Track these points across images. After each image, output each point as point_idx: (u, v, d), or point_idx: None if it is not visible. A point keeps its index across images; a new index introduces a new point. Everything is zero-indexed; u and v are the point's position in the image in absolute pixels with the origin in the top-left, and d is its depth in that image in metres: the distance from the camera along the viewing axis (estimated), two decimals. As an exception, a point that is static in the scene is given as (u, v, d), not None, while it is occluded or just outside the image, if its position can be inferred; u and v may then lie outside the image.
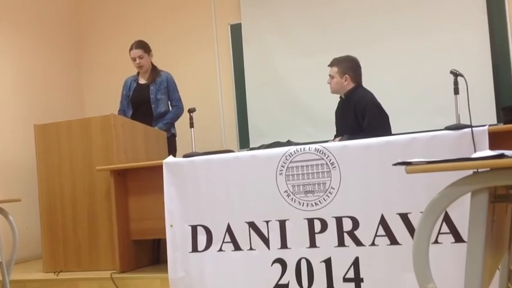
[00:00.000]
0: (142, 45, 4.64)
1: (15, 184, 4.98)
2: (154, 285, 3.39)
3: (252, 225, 3.12)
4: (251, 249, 3.12)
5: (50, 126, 3.96)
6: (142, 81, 4.73)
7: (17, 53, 5.37)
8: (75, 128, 3.88)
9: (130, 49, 4.63)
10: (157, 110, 4.62)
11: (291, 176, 3.04)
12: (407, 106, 4.92)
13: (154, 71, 4.71)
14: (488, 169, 1.27)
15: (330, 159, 2.96)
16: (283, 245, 3.04)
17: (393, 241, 2.82)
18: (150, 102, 4.62)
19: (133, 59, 4.63)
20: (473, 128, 2.70)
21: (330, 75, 3.90)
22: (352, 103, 3.82)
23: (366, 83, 3.95)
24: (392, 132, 3.69)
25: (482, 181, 1.26)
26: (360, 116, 3.71)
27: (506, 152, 1.22)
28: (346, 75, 3.85)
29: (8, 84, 5.19)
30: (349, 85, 3.87)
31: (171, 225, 3.30)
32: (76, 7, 6.37)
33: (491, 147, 2.62)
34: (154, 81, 4.65)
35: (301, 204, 3.02)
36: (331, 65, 3.92)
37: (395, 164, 1.32)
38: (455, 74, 2.98)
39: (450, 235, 2.73)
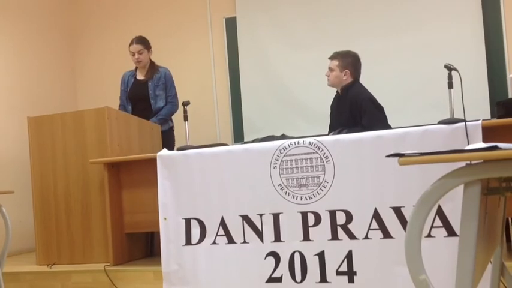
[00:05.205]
0: (143, 41, 4.63)
1: (8, 176, 4.96)
2: (147, 278, 3.39)
3: (246, 218, 3.12)
4: (245, 242, 3.12)
5: (44, 119, 3.94)
6: (140, 76, 4.71)
7: (11, 45, 5.33)
8: (69, 120, 3.87)
9: (131, 44, 4.61)
10: (156, 106, 4.61)
11: (284, 170, 3.04)
12: (402, 101, 4.92)
13: (153, 67, 4.70)
14: (481, 161, 1.27)
15: (324, 153, 2.96)
16: (277, 238, 3.05)
17: (386, 234, 2.83)
18: (149, 98, 4.61)
19: (133, 54, 4.62)
20: (466, 123, 2.70)
21: (329, 67, 3.90)
22: (348, 100, 3.82)
23: (361, 78, 3.95)
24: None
25: (474, 173, 1.26)
26: (357, 113, 3.72)
27: (500, 144, 1.22)
28: (346, 70, 3.85)
29: (1, 76, 5.16)
30: (347, 80, 3.87)
31: (165, 218, 3.30)
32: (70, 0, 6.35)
33: (485, 142, 2.63)
34: (152, 77, 4.64)
35: (295, 197, 3.02)
36: (332, 58, 3.91)
37: (389, 156, 1.32)
38: (450, 69, 2.99)
39: (443, 229, 2.74)
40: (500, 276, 1.93)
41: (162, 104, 4.63)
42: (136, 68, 4.74)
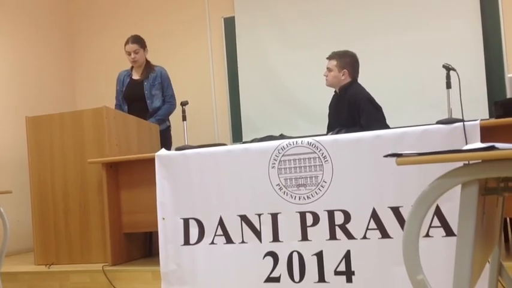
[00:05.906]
0: (139, 40, 4.61)
1: (7, 176, 4.95)
2: (145, 278, 3.39)
3: (244, 218, 3.12)
4: (243, 242, 3.11)
5: (42, 119, 3.94)
6: (135, 76, 4.70)
7: (10, 45, 5.33)
8: (67, 120, 3.86)
9: (126, 43, 4.59)
10: (152, 105, 4.61)
11: (283, 170, 3.04)
12: (400, 100, 4.92)
13: (148, 66, 4.68)
14: (479, 161, 1.27)
15: (323, 153, 2.96)
16: (275, 238, 3.05)
17: (384, 234, 2.83)
18: (145, 98, 4.60)
19: (128, 53, 4.60)
20: (465, 122, 2.70)
21: (328, 67, 3.90)
22: (346, 100, 3.82)
23: (359, 78, 3.95)
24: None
25: (472, 173, 1.26)
26: (356, 113, 3.72)
27: (497, 144, 1.21)
28: (345, 70, 3.85)
29: (-1, 76, 5.17)
30: (345, 80, 3.87)
31: (163, 218, 3.30)
32: (69, -1, 6.34)
33: (483, 142, 2.63)
34: (147, 77, 4.63)
35: (293, 197, 3.02)
36: (330, 58, 3.91)
37: (386, 156, 1.32)
38: (448, 68, 2.99)
39: (441, 229, 2.74)
40: (498, 277, 1.93)
41: (158, 104, 4.62)
42: (132, 67, 4.73)
